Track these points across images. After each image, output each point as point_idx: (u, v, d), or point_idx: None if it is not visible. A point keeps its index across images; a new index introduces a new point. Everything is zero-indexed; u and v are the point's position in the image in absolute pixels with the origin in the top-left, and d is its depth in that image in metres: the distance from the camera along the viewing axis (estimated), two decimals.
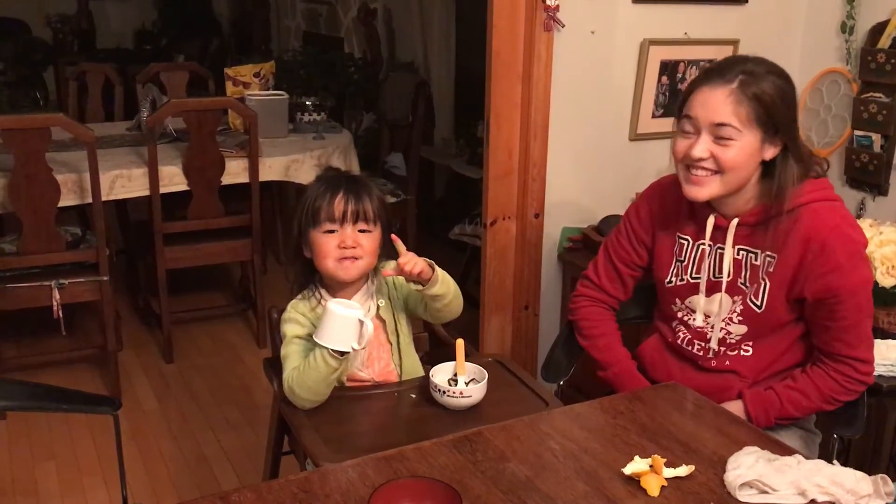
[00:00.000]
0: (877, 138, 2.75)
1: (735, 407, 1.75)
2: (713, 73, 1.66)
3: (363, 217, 1.72)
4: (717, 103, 1.62)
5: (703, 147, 1.64)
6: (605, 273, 1.96)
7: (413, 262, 1.65)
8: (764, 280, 1.72)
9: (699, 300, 1.81)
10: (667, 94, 2.86)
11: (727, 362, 1.81)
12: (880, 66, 2.69)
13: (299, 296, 1.80)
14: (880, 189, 2.77)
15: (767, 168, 1.69)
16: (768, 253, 1.71)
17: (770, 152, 1.66)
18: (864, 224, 2.30)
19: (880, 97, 2.71)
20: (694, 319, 1.83)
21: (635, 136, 2.87)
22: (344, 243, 1.70)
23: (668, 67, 2.82)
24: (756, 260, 1.73)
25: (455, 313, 1.81)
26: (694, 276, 1.81)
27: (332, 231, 1.71)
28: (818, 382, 1.72)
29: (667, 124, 2.87)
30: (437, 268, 1.70)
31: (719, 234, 1.76)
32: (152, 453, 2.84)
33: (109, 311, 3.15)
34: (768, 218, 1.69)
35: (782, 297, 1.71)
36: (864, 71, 2.75)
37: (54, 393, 1.98)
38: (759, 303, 1.73)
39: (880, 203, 2.80)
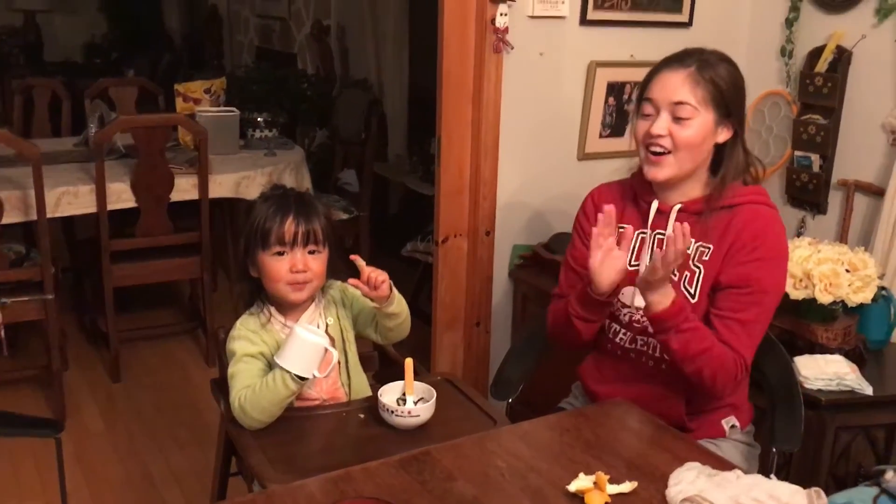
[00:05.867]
0: (816, 158, 2.83)
1: (668, 294, 1.68)
2: (672, 59, 1.79)
3: (313, 239, 1.72)
4: (676, 84, 1.74)
5: (661, 124, 1.74)
6: (566, 281, 1.96)
7: (377, 272, 1.68)
8: (698, 268, 1.75)
9: (633, 292, 1.79)
10: (614, 114, 2.91)
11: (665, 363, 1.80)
12: (818, 88, 2.78)
13: (247, 313, 1.79)
14: (819, 208, 2.86)
15: (716, 160, 1.78)
16: (701, 243, 1.76)
17: (723, 135, 1.76)
18: (804, 242, 2.37)
19: (818, 119, 2.80)
20: (625, 315, 1.83)
21: (583, 156, 2.92)
22: (295, 267, 1.70)
23: (614, 89, 2.88)
24: (689, 249, 1.75)
25: (403, 335, 1.84)
26: (632, 263, 1.81)
27: (281, 253, 1.71)
28: (719, 347, 1.70)
29: (614, 144, 2.94)
30: (393, 286, 1.73)
31: (661, 219, 1.81)
32: (98, 476, 2.79)
33: (54, 330, 3.09)
34: (710, 209, 1.75)
35: (710, 288, 1.75)
36: (803, 93, 2.84)
37: None
38: (693, 291, 1.76)
39: (819, 221, 2.88)
